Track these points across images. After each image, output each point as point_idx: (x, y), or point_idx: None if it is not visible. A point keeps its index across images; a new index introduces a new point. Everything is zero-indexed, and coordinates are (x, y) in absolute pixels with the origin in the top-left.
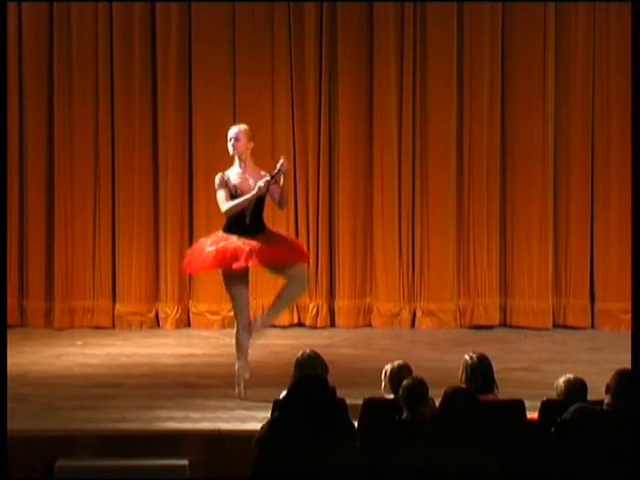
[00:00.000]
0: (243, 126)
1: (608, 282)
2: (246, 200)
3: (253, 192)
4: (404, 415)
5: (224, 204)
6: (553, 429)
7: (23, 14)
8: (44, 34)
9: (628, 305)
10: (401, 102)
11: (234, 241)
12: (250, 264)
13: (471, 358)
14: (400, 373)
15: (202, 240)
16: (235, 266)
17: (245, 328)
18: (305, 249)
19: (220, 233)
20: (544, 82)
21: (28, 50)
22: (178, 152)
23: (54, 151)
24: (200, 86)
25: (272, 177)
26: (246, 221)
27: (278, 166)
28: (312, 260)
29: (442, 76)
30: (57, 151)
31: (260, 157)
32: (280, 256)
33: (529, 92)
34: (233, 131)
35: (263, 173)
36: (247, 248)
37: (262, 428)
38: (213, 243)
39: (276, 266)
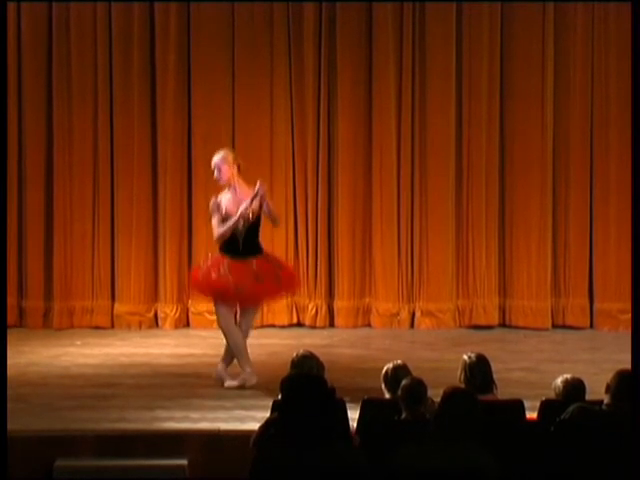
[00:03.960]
0: (221, 153)
1: (607, 282)
2: (231, 226)
3: (234, 218)
4: (403, 415)
5: (215, 230)
6: (552, 429)
7: (22, 15)
8: (43, 36)
9: (627, 305)
10: (400, 103)
11: (226, 274)
12: (233, 304)
13: (469, 358)
14: (396, 374)
15: (202, 264)
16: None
17: (238, 340)
18: (295, 277)
19: (217, 253)
20: (543, 83)
21: (27, 51)
22: (177, 153)
23: (53, 152)
24: (199, 87)
25: (251, 201)
26: (239, 245)
27: (255, 189)
28: (311, 261)
29: (441, 77)
30: (56, 152)
31: (260, 158)
32: (265, 296)
33: (528, 93)
34: (213, 162)
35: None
36: (234, 287)
37: (259, 428)
38: (209, 270)
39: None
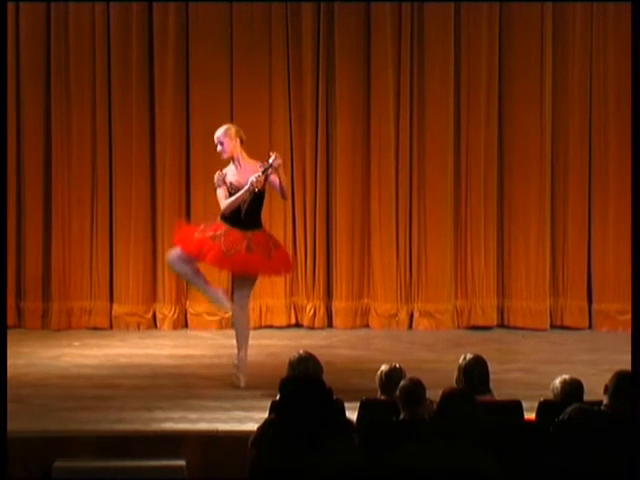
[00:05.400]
0: (223, 127)
1: (606, 283)
2: (240, 196)
3: (245, 188)
4: (402, 416)
5: (222, 202)
6: (551, 430)
7: (21, 15)
8: (41, 36)
9: (626, 306)
10: (398, 103)
11: (221, 235)
12: (219, 266)
13: (465, 359)
14: (390, 376)
15: (201, 225)
16: (207, 261)
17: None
18: (289, 261)
19: (218, 219)
20: (541, 83)
21: (26, 52)
22: (175, 152)
23: (51, 152)
24: (198, 87)
25: (263, 172)
26: (241, 215)
27: (270, 161)
28: (310, 261)
29: (439, 78)
30: (54, 152)
31: (259, 158)
32: (254, 266)
33: (526, 93)
34: (215, 136)
35: (260, 165)
36: (225, 249)
37: (258, 429)
38: (204, 229)
39: (241, 275)
